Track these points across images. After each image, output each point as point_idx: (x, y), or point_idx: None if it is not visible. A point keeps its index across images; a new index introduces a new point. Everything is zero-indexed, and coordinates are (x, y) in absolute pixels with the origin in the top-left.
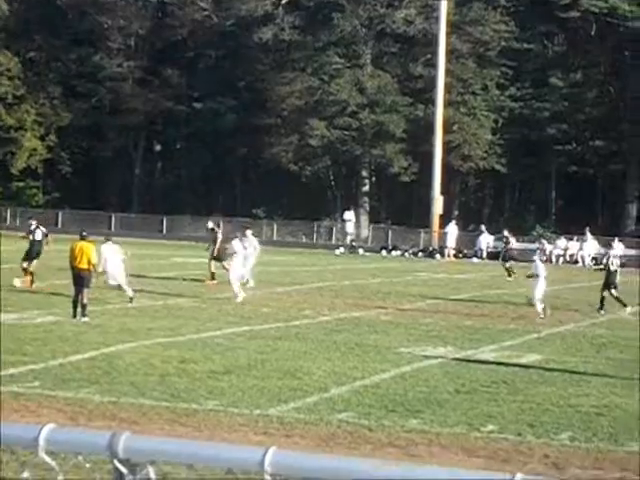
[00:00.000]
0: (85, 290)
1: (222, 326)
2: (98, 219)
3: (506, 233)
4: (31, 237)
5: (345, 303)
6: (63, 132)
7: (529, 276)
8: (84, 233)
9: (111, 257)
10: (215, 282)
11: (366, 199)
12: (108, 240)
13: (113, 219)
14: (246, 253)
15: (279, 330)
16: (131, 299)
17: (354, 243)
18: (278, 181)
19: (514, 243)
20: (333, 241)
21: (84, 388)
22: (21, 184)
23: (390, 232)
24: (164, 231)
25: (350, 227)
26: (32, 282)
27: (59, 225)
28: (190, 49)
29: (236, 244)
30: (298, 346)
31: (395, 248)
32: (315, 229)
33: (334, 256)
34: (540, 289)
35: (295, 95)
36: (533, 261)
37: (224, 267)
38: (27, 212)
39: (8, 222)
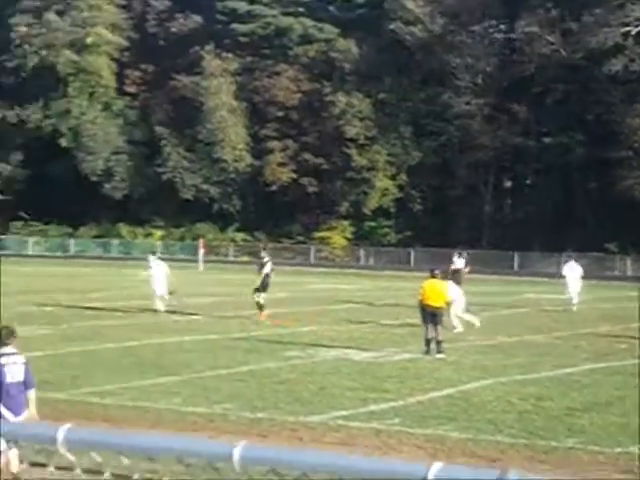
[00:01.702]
0: (439, 327)
1: (578, 362)
2: (448, 256)
3: None
4: (262, 271)
5: None
6: (413, 171)
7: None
8: (436, 271)
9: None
10: None
11: None
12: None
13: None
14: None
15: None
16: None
17: None
18: (631, 215)
19: None
20: None
21: (442, 425)
22: (373, 223)
23: None
24: (515, 267)
25: None
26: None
27: (411, 263)
28: (538, 84)
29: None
30: None
31: None
32: None
33: None
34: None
35: None
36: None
37: None
38: (380, 251)
39: (362, 261)
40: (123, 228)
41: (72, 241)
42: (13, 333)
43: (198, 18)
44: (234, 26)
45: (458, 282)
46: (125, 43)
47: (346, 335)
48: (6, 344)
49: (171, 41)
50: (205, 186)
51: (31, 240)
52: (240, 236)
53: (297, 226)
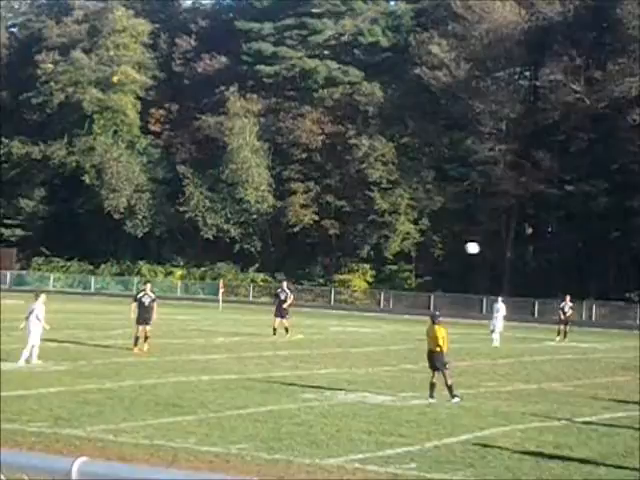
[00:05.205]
0: (446, 371)
1: (598, 411)
2: (469, 302)
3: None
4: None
5: None
6: (435, 216)
7: None
8: (437, 317)
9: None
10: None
11: None
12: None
13: (484, 302)
14: None
15: None
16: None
17: None
18: None
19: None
20: None
21: (459, 471)
22: (394, 267)
23: None
24: (536, 314)
25: None
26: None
27: (430, 308)
28: (562, 132)
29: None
30: None
31: None
32: None
33: None
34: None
35: None
36: None
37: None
38: (400, 295)
39: (382, 305)
40: (144, 266)
41: (93, 278)
42: None
43: (223, 59)
44: (259, 67)
45: None
46: (150, 82)
47: (364, 378)
48: None
49: (196, 81)
50: (226, 226)
51: (52, 276)
52: (260, 277)
53: (317, 268)
